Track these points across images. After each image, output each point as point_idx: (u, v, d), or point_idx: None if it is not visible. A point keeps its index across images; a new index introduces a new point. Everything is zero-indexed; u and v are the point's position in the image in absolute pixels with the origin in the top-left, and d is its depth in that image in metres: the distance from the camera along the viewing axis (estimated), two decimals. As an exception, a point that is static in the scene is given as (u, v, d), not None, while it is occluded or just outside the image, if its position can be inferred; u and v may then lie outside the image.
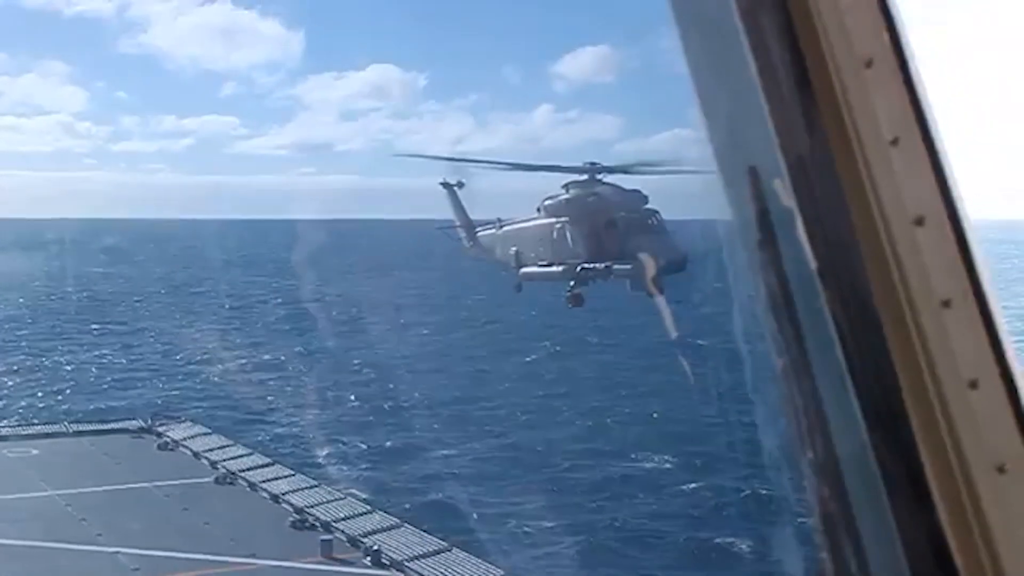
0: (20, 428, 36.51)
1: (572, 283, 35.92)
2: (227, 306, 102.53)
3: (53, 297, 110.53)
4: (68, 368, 70.49)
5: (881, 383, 2.22)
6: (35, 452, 31.45)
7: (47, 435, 34.21)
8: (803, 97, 2.26)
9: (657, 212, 34.58)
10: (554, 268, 36.54)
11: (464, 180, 41.39)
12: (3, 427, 37.30)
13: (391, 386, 59.15)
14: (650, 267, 32.60)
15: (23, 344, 79.66)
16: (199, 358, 69.88)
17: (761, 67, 2.27)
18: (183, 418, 36.93)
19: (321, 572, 21.92)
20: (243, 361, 70.01)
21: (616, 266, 34.26)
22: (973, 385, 2.21)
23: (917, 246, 2.22)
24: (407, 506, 34.24)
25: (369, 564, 22.20)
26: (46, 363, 71.16)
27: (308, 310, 79.71)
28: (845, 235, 2.24)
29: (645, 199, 34.91)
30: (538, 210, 37.74)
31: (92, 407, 53.58)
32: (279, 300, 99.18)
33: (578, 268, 35.29)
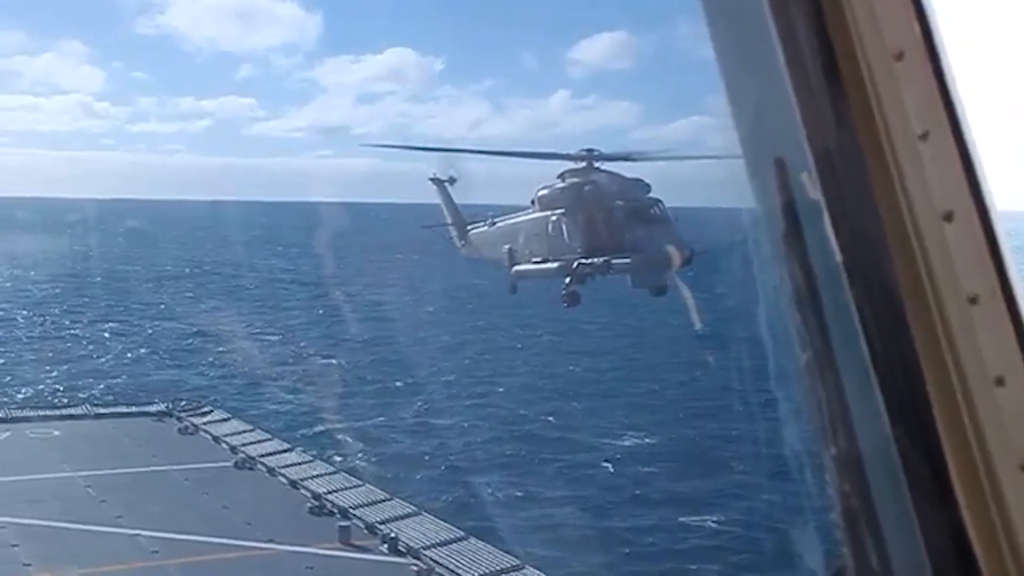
0: (42, 409, 36.73)
1: (568, 280, 33.22)
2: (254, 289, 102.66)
3: (77, 279, 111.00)
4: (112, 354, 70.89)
5: (906, 379, 2.20)
6: (57, 433, 31.66)
7: (69, 417, 34.46)
8: (832, 89, 2.24)
9: (660, 201, 32.36)
10: (549, 265, 33.93)
11: (455, 175, 38.81)
12: (26, 408, 37.55)
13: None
14: (653, 260, 31.07)
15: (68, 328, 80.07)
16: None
17: (789, 58, 2.25)
18: (203, 403, 37.08)
19: (338, 558, 21.99)
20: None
21: (615, 260, 31.93)
22: (999, 382, 2.20)
23: (945, 242, 2.20)
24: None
25: (386, 551, 22.25)
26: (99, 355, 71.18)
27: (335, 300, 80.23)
28: (872, 229, 2.22)
29: (647, 187, 32.65)
30: (532, 203, 35.37)
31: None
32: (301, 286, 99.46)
33: (575, 264, 32.73)
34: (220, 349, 67.65)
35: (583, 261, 32.36)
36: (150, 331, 78.34)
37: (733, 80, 2.36)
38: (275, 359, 63.76)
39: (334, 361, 65.01)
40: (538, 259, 34.37)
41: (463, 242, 39.63)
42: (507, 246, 35.69)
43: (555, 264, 33.40)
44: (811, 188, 2.26)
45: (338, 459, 37.40)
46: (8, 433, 31.50)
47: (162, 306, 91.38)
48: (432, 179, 39.29)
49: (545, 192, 34.46)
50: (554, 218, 33.68)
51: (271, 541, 22.47)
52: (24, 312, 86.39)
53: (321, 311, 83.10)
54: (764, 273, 2.42)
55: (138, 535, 22.48)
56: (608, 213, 32.18)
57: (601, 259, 31.93)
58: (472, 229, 39.16)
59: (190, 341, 72.95)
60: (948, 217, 2.21)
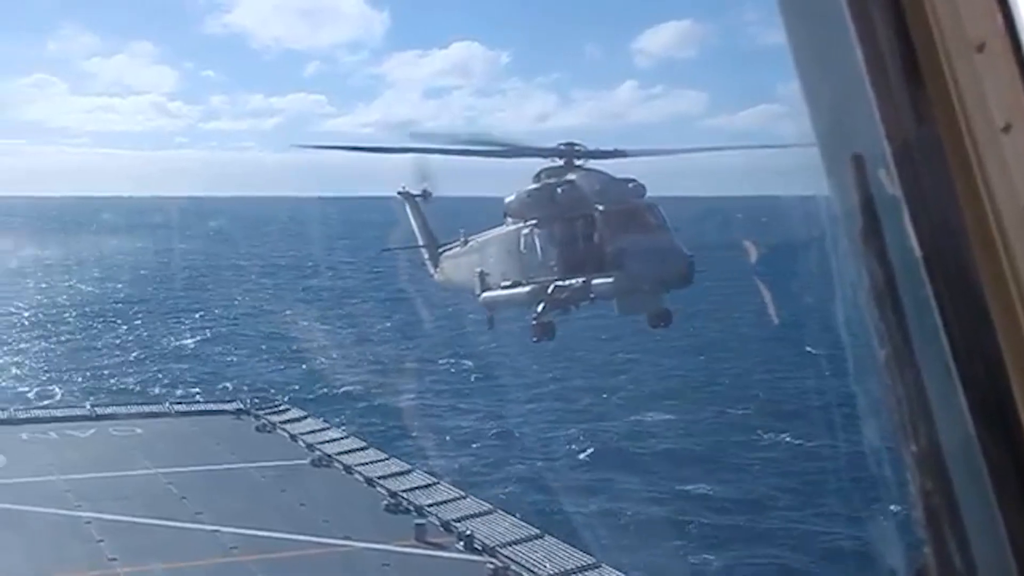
0: (124, 407, 37.46)
1: (540, 308, 27.22)
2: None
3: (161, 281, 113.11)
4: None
5: (989, 375, 2.17)
6: (139, 431, 32.27)
7: (150, 415, 35.11)
8: (911, 82, 2.21)
9: (656, 207, 26.33)
10: (520, 289, 27.98)
11: (430, 189, 33.17)
12: (109, 407, 38.34)
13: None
14: (641, 280, 25.50)
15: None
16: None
17: (867, 51, 2.23)
18: (281, 401, 37.52)
19: (414, 555, 22.11)
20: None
21: (596, 281, 25.89)
22: None
23: None
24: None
25: (462, 549, 22.31)
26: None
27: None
28: (953, 225, 2.19)
29: (640, 189, 26.59)
30: (505, 215, 29.25)
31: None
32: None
33: (549, 288, 26.83)
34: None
35: (559, 283, 26.66)
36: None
37: (809, 74, 2.34)
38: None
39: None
40: (507, 282, 28.70)
41: (436, 268, 33.94)
42: (478, 269, 30.16)
43: (527, 288, 27.75)
44: (889, 184, 2.24)
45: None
46: (93, 430, 32.18)
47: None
48: (401, 193, 34.35)
49: (513, 199, 28.53)
50: (526, 231, 27.95)
51: (348, 538, 22.65)
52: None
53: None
54: (842, 268, 2.40)
55: (217, 531, 22.81)
56: (587, 221, 26.39)
57: (580, 280, 26.24)
58: (445, 251, 33.47)
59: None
60: None
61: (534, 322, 27.48)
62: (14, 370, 65.83)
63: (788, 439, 46.53)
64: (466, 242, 31.83)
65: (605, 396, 55.37)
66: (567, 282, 26.38)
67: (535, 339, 27.96)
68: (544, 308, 27.12)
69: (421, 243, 34.69)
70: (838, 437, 35.17)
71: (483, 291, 29.73)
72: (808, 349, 50.68)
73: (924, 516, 2.25)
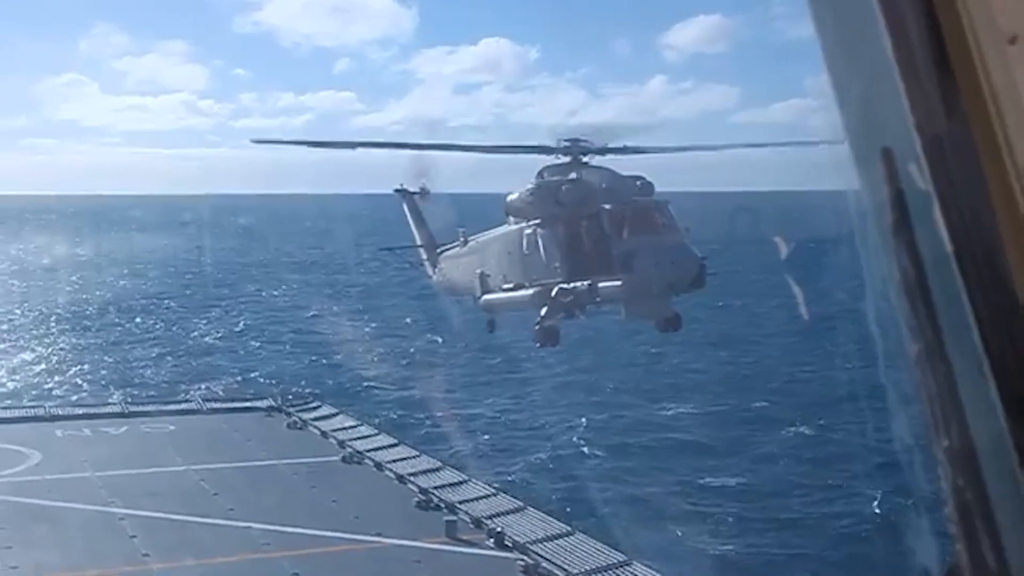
0: (157, 404, 37.80)
1: (544, 311, 25.99)
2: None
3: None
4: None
5: (1021, 369, 2.15)
6: (171, 428, 32.55)
7: (182, 412, 35.41)
8: (941, 75, 2.19)
9: (665, 205, 25.34)
10: (522, 292, 26.87)
11: (428, 186, 32.01)
12: (141, 403, 38.72)
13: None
14: (651, 283, 24.22)
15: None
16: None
17: (896, 43, 2.21)
18: (312, 398, 37.68)
19: (445, 552, 22.15)
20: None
21: (602, 284, 24.75)
22: None
23: None
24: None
25: (492, 546, 22.34)
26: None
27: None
28: (985, 219, 2.18)
29: (648, 186, 25.68)
30: (506, 214, 28.31)
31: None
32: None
33: (553, 291, 25.69)
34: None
35: (563, 286, 25.53)
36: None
37: (837, 67, 2.32)
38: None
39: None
40: (509, 285, 27.57)
41: (435, 270, 32.78)
42: (479, 270, 28.95)
43: (529, 291, 26.62)
44: (920, 177, 2.22)
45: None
46: (125, 427, 32.48)
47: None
48: (398, 190, 33.26)
49: (515, 197, 27.37)
50: (529, 231, 26.81)
51: (379, 535, 22.73)
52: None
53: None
54: (872, 264, 2.39)
55: (249, 528, 22.95)
56: (592, 220, 25.28)
57: (585, 283, 25.12)
58: (444, 251, 32.22)
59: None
60: None
61: (537, 327, 26.36)
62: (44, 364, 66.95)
63: (805, 431, 46.99)
64: (466, 242, 30.73)
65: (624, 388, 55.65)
66: (572, 285, 25.30)
67: (538, 344, 27.04)
68: (548, 312, 25.98)
69: (419, 243, 33.68)
70: (868, 431, 35.04)
71: (483, 293, 28.63)
72: (841, 343, 50.65)
73: (955, 512, 2.23)
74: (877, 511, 35.04)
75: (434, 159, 29.71)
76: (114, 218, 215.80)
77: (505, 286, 27.60)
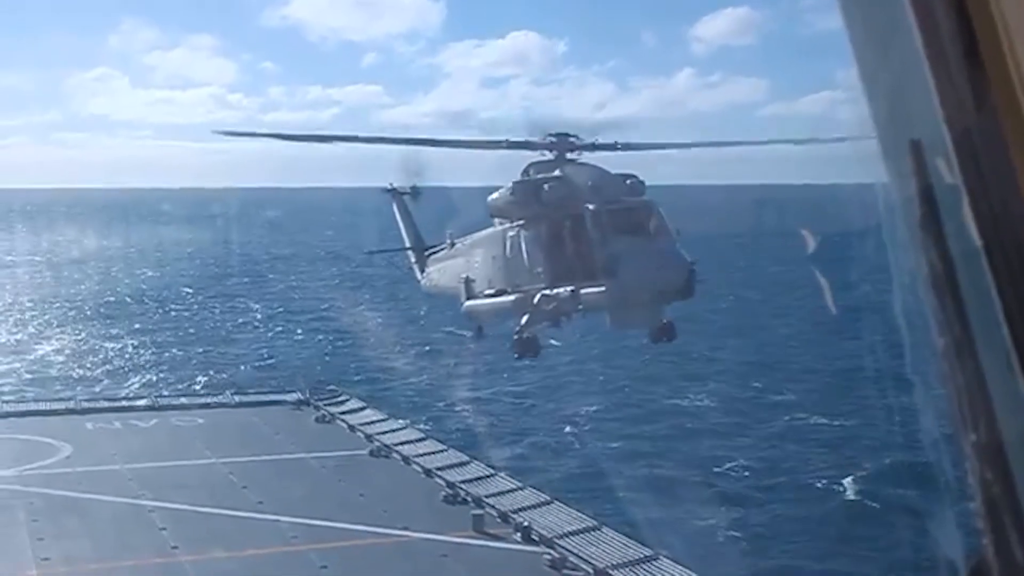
0: (187, 398, 38.06)
1: (524, 319, 24.29)
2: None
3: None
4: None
5: None
6: (200, 421, 32.75)
7: (212, 405, 35.60)
8: (971, 68, 2.18)
9: (655, 206, 23.20)
10: (505, 298, 25.11)
11: (419, 184, 30.77)
12: (170, 397, 39.00)
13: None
14: (636, 289, 22.39)
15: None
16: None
17: (926, 36, 2.20)
18: (340, 392, 37.85)
19: (472, 546, 22.19)
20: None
21: (585, 291, 22.84)
22: None
23: None
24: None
25: (519, 540, 22.37)
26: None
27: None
28: (1014, 212, 2.16)
29: (639, 185, 23.79)
30: (490, 214, 26.55)
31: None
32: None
33: (536, 297, 23.87)
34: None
35: (547, 293, 23.71)
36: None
37: (867, 60, 2.31)
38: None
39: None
40: (492, 290, 25.85)
41: (423, 273, 31.06)
42: (464, 274, 27.18)
43: (511, 297, 24.90)
44: (948, 171, 2.21)
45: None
46: (155, 421, 32.70)
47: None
48: (388, 190, 32.21)
49: (497, 196, 25.44)
50: (511, 232, 25.09)
51: (406, 528, 22.80)
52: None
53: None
54: (899, 257, 2.37)
55: (278, 521, 23.08)
56: (576, 221, 23.32)
57: (568, 289, 23.21)
58: (432, 254, 30.68)
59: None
60: None
61: (515, 337, 24.64)
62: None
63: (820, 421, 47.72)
64: (452, 244, 29.15)
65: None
66: (554, 291, 23.53)
67: (516, 356, 25.34)
68: (528, 320, 24.31)
69: (408, 245, 32.25)
70: (894, 422, 34.80)
71: (467, 299, 26.79)
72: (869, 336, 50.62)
73: (983, 506, 2.22)
74: (903, 504, 34.81)
75: (436, 155, 28.84)
76: (143, 212, 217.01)
77: (488, 292, 25.97)
